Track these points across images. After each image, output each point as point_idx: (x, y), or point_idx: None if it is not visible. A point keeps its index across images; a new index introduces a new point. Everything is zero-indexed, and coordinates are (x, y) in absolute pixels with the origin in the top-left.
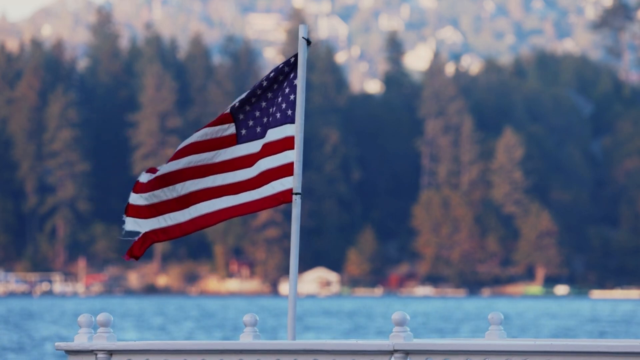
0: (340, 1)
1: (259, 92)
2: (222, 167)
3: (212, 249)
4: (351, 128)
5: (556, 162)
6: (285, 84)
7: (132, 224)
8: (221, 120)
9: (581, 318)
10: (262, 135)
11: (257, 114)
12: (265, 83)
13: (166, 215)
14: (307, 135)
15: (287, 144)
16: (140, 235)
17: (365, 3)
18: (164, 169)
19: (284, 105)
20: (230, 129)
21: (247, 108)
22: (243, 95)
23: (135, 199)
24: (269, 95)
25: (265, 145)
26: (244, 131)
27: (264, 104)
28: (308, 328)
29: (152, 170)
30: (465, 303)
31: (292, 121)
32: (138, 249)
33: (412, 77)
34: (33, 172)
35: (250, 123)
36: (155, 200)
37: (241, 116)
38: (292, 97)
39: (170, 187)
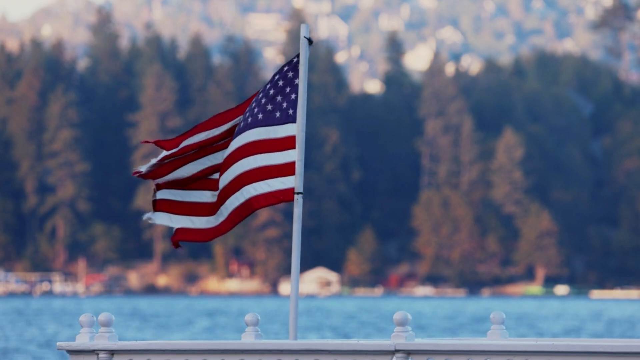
0: (340, 1)
1: (261, 93)
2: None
3: (212, 249)
4: (351, 128)
5: (556, 162)
6: (285, 83)
7: (163, 219)
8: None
9: (582, 318)
10: (251, 127)
11: (260, 106)
12: (268, 85)
13: (200, 218)
14: (307, 135)
15: (288, 143)
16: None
17: (365, 3)
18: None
19: (284, 105)
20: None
21: (253, 104)
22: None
23: (165, 194)
24: (271, 92)
25: (264, 142)
26: (242, 124)
27: (264, 99)
28: (309, 328)
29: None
30: (465, 303)
31: (294, 120)
32: (175, 240)
33: (412, 77)
34: (33, 172)
35: (247, 114)
36: (189, 200)
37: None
38: (293, 96)
39: (200, 191)
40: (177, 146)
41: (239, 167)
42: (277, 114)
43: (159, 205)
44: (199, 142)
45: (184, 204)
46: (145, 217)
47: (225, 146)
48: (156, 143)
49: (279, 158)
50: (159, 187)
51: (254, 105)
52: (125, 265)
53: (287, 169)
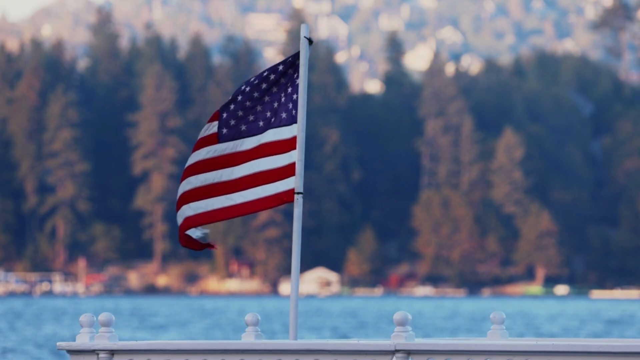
0: (340, 1)
1: (256, 92)
2: (224, 163)
3: (212, 249)
4: (351, 128)
5: (556, 162)
6: (288, 84)
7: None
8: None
9: (582, 318)
10: (263, 131)
11: (259, 108)
12: (261, 82)
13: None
14: (307, 135)
15: (293, 144)
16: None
17: (365, 3)
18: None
19: (290, 105)
20: (212, 128)
21: (248, 104)
22: (237, 97)
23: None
24: (274, 89)
25: (269, 144)
26: (244, 127)
27: (267, 98)
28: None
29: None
30: (465, 303)
31: (293, 121)
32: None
33: (412, 77)
34: (33, 172)
35: (251, 118)
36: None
37: (240, 113)
38: (295, 96)
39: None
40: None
41: (238, 172)
42: (284, 115)
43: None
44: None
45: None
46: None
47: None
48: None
49: (284, 159)
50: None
51: (259, 108)
52: (125, 265)
53: (290, 170)
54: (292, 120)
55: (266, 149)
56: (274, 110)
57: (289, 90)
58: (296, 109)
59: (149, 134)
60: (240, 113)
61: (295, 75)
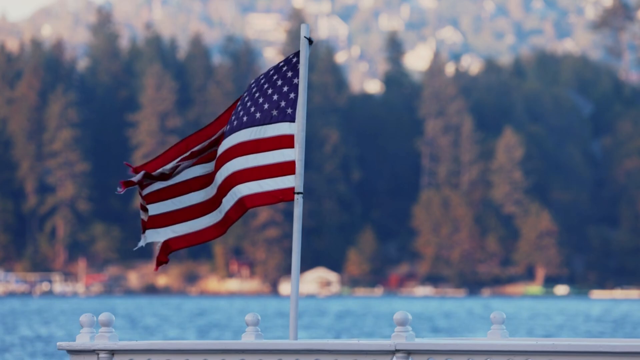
0: (340, 1)
1: (254, 89)
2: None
3: (212, 249)
4: (351, 128)
5: (556, 162)
6: (282, 82)
7: (152, 235)
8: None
9: (582, 318)
10: (247, 125)
11: (249, 104)
12: (263, 80)
13: (197, 220)
14: (307, 135)
15: (284, 142)
16: (161, 243)
17: (365, 3)
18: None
19: (282, 104)
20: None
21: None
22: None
23: (155, 209)
24: (269, 91)
25: (260, 141)
26: (235, 122)
27: (261, 98)
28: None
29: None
30: (465, 303)
31: (291, 120)
32: (164, 255)
33: (412, 77)
34: (33, 172)
35: (241, 113)
36: (182, 206)
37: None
38: (291, 95)
39: (179, 197)
40: (160, 166)
41: (233, 166)
42: (274, 113)
43: (151, 223)
44: (184, 157)
45: (178, 212)
46: (139, 244)
47: (213, 156)
48: (136, 170)
49: (276, 157)
50: (148, 201)
51: (249, 103)
52: (125, 265)
53: (284, 169)
54: (284, 117)
55: (255, 146)
56: (270, 106)
57: (284, 88)
58: (291, 108)
59: (149, 134)
60: (248, 104)
61: (291, 74)
